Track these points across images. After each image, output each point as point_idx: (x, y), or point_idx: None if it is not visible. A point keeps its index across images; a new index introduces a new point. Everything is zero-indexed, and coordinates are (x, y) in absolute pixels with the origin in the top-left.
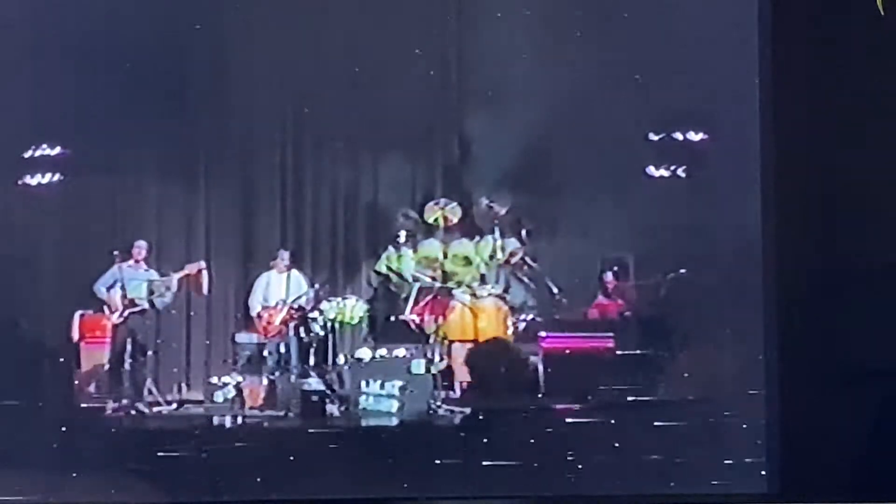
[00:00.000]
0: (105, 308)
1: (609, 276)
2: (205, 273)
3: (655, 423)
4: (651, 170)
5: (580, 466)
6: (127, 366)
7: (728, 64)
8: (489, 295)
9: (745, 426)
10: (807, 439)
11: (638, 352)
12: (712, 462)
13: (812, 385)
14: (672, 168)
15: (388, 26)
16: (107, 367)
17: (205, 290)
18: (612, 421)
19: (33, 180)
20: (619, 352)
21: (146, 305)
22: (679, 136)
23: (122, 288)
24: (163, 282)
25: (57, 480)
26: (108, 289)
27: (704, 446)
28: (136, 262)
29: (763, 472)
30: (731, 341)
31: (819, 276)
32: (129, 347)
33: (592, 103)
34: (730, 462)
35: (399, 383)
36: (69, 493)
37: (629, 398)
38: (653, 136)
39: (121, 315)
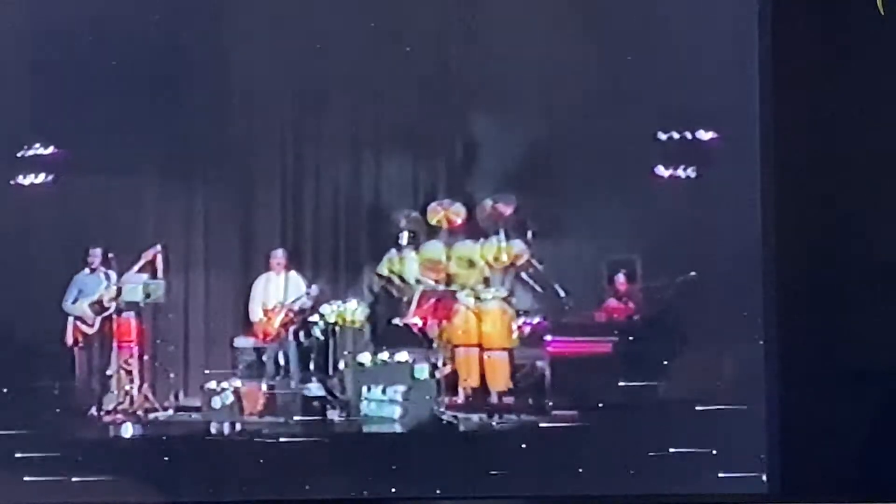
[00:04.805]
0: (79, 321)
1: (620, 278)
2: (160, 257)
3: (656, 424)
4: (659, 170)
5: (581, 467)
6: (122, 370)
7: (728, 65)
8: (493, 298)
9: (745, 426)
10: (807, 439)
11: (642, 354)
12: (712, 462)
13: (812, 385)
14: (680, 168)
15: (391, 25)
16: (100, 371)
17: (160, 273)
18: (613, 422)
19: (26, 180)
20: (624, 354)
21: (113, 308)
22: (689, 135)
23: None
24: (157, 284)
25: (53, 486)
26: (74, 301)
27: (704, 446)
28: (92, 269)
29: (763, 472)
30: (733, 341)
31: (820, 277)
32: (124, 352)
33: (598, 103)
34: (730, 462)
35: (402, 388)
36: (65, 499)
37: (630, 399)
38: (661, 136)
39: (93, 324)
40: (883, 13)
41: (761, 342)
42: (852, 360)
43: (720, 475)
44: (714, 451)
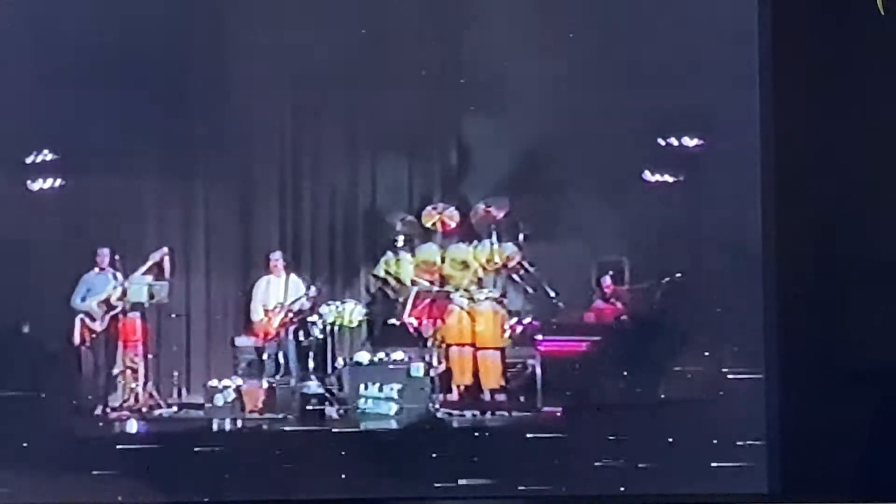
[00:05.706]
0: (87, 317)
1: (607, 279)
2: (167, 259)
3: (655, 424)
4: (647, 174)
5: (580, 467)
6: (128, 368)
7: (727, 66)
8: (486, 299)
9: (744, 426)
10: (807, 439)
11: (636, 354)
12: (712, 462)
13: (812, 385)
14: (670, 172)
15: (386, 29)
16: (106, 370)
17: (167, 274)
18: (611, 422)
19: (35, 185)
20: (616, 354)
21: (120, 308)
22: (675, 141)
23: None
24: (161, 285)
25: (56, 482)
26: (83, 299)
27: (704, 446)
28: (101, 269)
29: (763, 473)
30: (731, 342)
31: (819, 277)
32: (130, 351)
33: (590, 107)
34: (730, 462)
35: (398, 386)
36: (68, 494)
37: (628, 400)
38: (651, 141)
39: (101, 321)
40: (883, 13)
41: (760, 342)
42: (852, 360)
43: (720, 475)
44: (713, 451)
